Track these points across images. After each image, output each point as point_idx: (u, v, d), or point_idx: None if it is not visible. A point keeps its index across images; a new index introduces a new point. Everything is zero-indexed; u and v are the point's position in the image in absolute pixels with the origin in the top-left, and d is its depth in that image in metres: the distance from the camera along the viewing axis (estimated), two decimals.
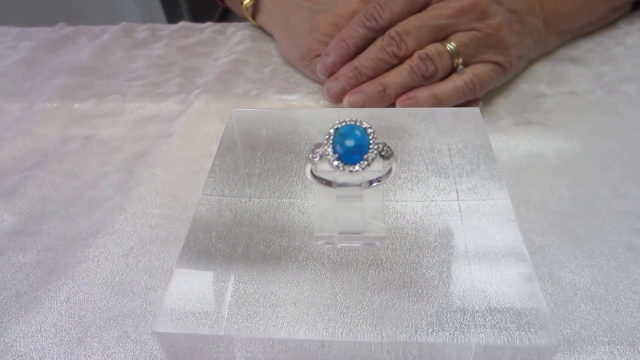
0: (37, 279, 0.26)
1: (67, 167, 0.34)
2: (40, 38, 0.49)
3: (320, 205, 0.20)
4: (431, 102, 0.31)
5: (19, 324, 0.24)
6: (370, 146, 0.18)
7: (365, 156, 0.18)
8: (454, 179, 0.24)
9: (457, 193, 0.23)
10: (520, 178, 0.30)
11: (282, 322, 0.19)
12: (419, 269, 0.21)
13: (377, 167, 0.19)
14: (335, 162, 0.18)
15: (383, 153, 0.18)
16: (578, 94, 0.36)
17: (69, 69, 0.44)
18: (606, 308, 0.23)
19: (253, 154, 0.26)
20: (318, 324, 0.19)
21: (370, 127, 0.18)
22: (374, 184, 0.19)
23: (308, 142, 0.25)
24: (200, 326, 0.18)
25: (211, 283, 0.20)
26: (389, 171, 0.19)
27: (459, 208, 0.23)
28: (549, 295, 0.24)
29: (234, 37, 0.48)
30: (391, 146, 0.18)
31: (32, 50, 0.47)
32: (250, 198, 0.24)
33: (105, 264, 0.27)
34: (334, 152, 0.18)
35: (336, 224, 0.19)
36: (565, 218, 0.27)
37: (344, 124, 0.18)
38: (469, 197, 0.23)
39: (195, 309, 0.19)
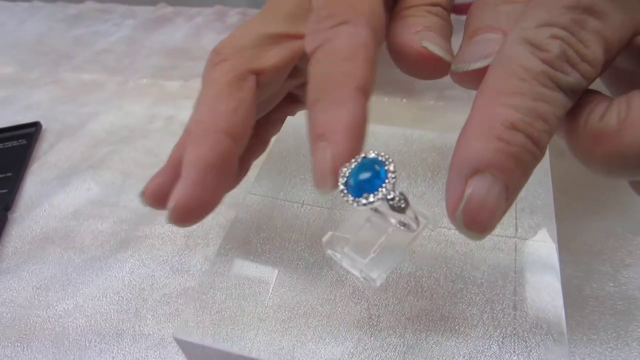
0: (110, 248, 0.29)
1: (149, 144, 0.37)
2: (142, 17, 0.53)
3: (352, 219, 0.20)
4: None
5: (89, 287, 0.27)
6: (377, 190, 0.16)
7: (365, 195, 0.16)
8: (516, 213, 0.23)
9: (515, 229, 0.22)
10: None
11: (313, 333, 0.20)
12: (460, 304, 0.20)
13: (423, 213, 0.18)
14: (342, 187, 0.17)
15: (392, 202, 0.16)
16: None
17: (164, 49, 0.47)
18: None
19: None
20: (347, 341, 0.19)
21: (393, 173, 0.16)
22: (402, 228, 0.18)
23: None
24: (226, 335, 0.19)
25: (250, 285, 0.21)
26: (418, 225, 0.17)
27: (515, 246, 0.21)
28: None
29: None
30: (409, 200, 0.16)
31: (134, 29, 0.51)
32: (303, 204, 0.24)
33: (168, 242, 0.29)
34: (349, 177, 0.17)
35: (349, 241, 0.19)
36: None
37: (372, 155, 0.17)
38: (529, 235, 0.22)
39: (224, 315, 0.20)
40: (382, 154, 0.17)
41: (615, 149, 0.15)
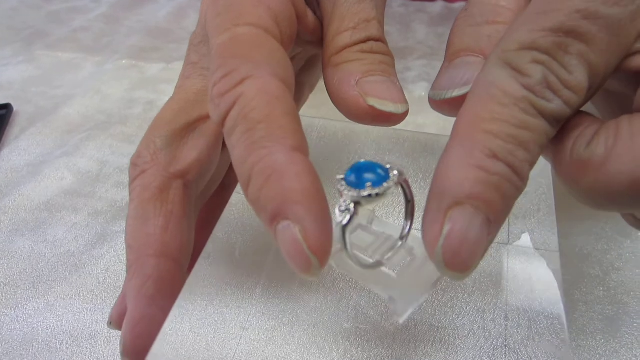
0: (85, 242, 0.28)
1: (127, 131, 0.35)
2: None
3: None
4: None
5: (62, 285, 0.26)
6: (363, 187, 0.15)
7: (348, 189, 0.15)
8: (509, 219, 0.22)
9: (508, 235, 0.21)
10: None
11: (298, 343, 0.19)
12: (451, 313, 0.19)
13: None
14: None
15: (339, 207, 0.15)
16: None
17: (145, 29, 0.45)
18: None
19: None
20: (333, 352, 0.19)
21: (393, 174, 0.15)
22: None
23: (359, 158, 0.24)
24: (207, 345, 0.18)
25: (233, 291, 0.20)
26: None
27: (507, 253, 0.21)
28: None
29: None
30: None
31: (113, 6, 0.48)
32: None
33: None
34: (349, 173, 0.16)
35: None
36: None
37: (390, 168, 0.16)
38: (521, 242, 0.21)
39: (205, 322, 0.19)
40: (396, 169, 0.15)
41: (600, 179, 0.14)
